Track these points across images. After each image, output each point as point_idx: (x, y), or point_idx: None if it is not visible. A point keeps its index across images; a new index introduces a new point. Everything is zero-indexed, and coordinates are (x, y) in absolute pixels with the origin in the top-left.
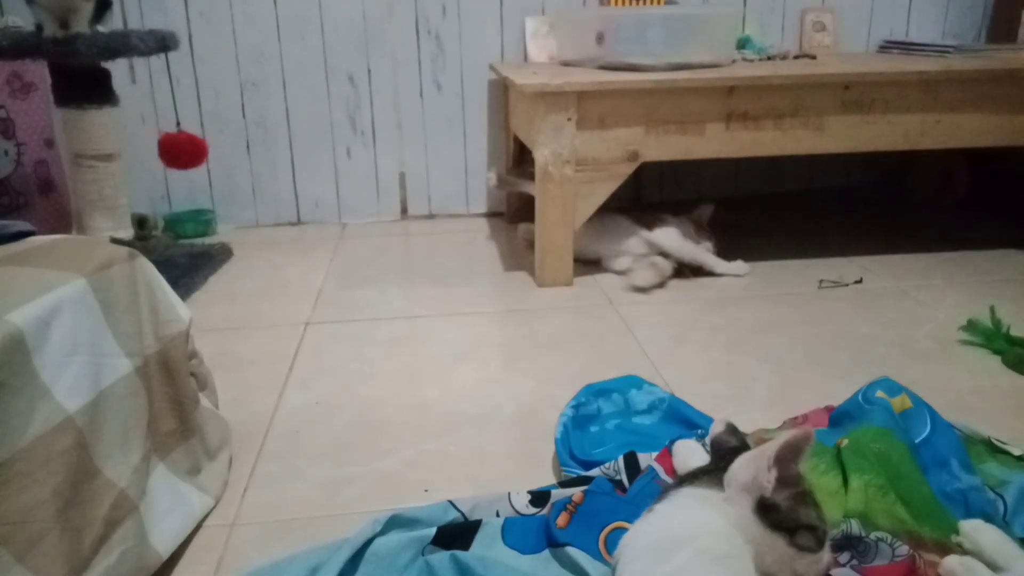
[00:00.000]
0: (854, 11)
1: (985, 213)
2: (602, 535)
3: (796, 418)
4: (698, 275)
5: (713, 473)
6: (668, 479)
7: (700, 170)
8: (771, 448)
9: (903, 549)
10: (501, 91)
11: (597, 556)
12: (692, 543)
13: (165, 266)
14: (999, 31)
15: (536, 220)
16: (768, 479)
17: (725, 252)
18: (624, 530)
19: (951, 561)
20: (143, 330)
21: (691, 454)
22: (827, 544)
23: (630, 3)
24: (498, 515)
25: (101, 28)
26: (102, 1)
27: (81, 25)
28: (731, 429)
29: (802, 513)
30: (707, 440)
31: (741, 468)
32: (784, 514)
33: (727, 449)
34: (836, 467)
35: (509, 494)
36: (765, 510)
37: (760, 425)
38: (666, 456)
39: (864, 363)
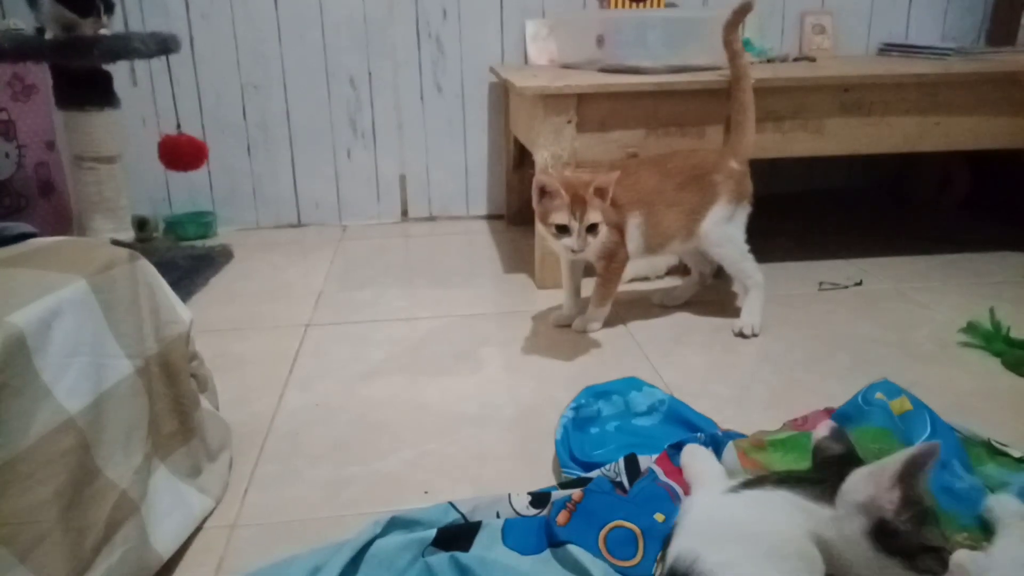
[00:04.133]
0: (853, 14)
1: (985, 215)
2: (602, 533)
3: (796, 420)
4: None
5: (817, 484)
6: (668, 481)
7: None
8: (893, 465)
9: None
10: (501, 93)
11: (597, 554)
12: (759, 542)
13: (166, 268)
14: (998, 34)
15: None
16: (890, 500)
17: None
18: (624, 528)
19: (962, 555)
20: (144, 331)
21: (701, 461)
22: (949, 565)
23: (630, 5)
24: (498, 516)
25: (104, 31)
26: (106, 3)
27: (86, 29)
28: (836, 434)
29: (925, 534)
30: (814, 441)
31: (857, 486)
32: (905, 538)
33: (830, 457)
34: None
35: (509, 495)
36: (883, 534)
37: (760, 427)
38: (666, 459)
39: (864, 365)
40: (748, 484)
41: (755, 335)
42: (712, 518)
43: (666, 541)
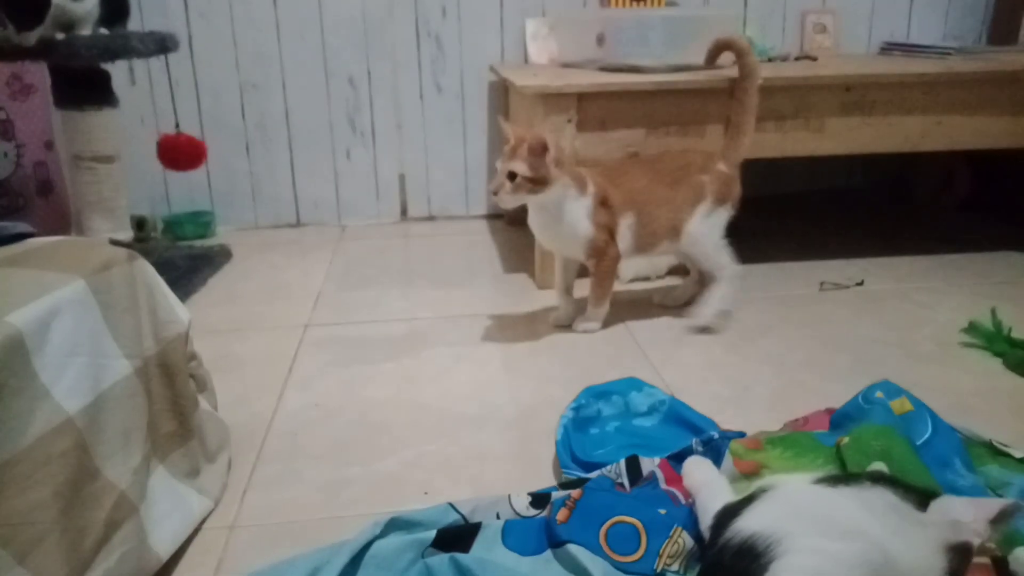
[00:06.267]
0: (855, 13)
1: (986, 215)
2: (603, 529)
3: (797, 420)
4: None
5: (914, 491)
6: (670, 488)
7: None
8: (1000, 504)
9: None
10: (501, 92)
11: (598, 550)
12: (853, 543)
13: (164, 268)
14: (999, 33)
15: None
16: (983, 532)
17: None
18: (625, 523)
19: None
20: (142, 332)
21: (703, 471)
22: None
23: (631, 5)
24: (498, 517)
25: (103, 29)
26: (117, 9)
27: (86, 30)
28: None
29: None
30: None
31: (958, 505)
32: (961, 567)
33: None
34: (836, 462)
35: (509, 496)
36: (961, 555)
37: (760, 427)
38: (667, 466)
39: (865, 365)
40: (842, 480)
41: (707, 326)
42: (806, 505)
43: (721, 519)
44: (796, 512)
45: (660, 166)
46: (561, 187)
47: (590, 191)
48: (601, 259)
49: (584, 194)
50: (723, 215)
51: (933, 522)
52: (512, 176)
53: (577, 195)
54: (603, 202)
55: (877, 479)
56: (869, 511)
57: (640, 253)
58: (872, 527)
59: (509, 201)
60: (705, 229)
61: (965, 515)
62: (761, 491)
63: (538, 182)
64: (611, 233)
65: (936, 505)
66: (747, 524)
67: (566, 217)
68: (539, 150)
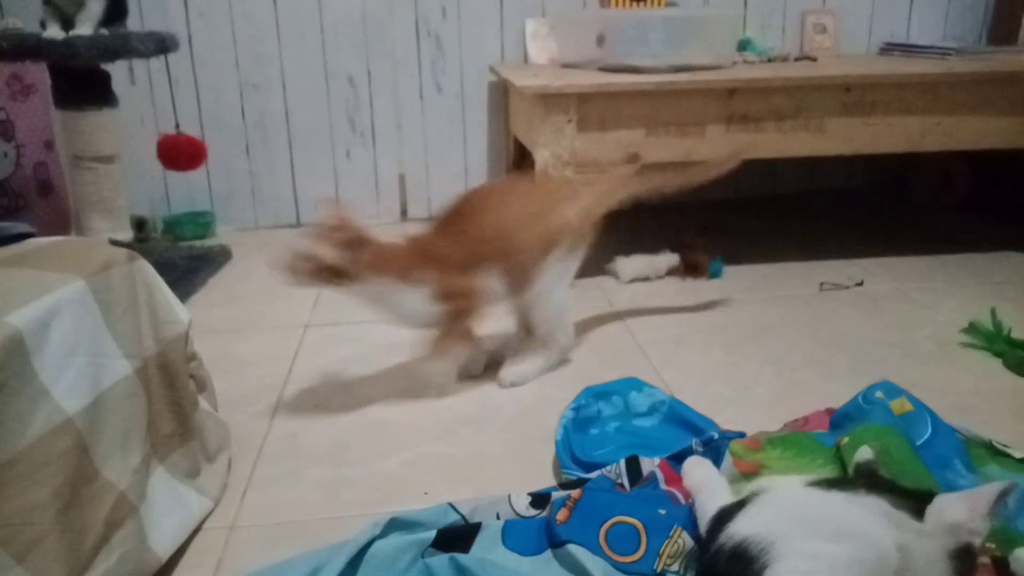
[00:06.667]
0: (855, 13)
1: (986, 215)
2: (603, 529)
3: (797, 420)
4: (697, 277)
5: (908, 497)
6: (670, 489)
7: None
8: (988, 494)
9: None
10: (501, 93)
11: (598, 551)
12: (847, 543)
13: (164, 268)
14: (1000, 33)
15: None
16: (981, 528)
17: (726, 254)
18: (625, 524)
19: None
20: (142, 332)
21: (703, 471)
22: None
23: (631, 5)
24: (498, 517)
25: (103, 30)
26: (117, 7)
27: (87, 27)
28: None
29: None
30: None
31: (950, 507)
32: (972, 565)
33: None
34: (836, 463)
35: (509, 496)
36: (965, 558)
37: (760, 427)
38: (667, 466)
39: (865, 365)
40: (835, 484)
41: (513, 386)
42: (799, 507)
43: (718, 522)
44: (789, 515)
45: (515, 203)
46: (377, 286)
47: (426, 279)
48: (454, 312)
49: (415, 286)
50: (574, 265)
51: (931, 532)
52: (312, 259)
53: (404, 290)
54: (447, 268)
55: (871, 488)
56: (864, 510)
57: (515, 298)
58: (868, 527)
59: (297, 283)
60: (551, 284)
61: (959, 515)
62: (754, 494)
63: (341, 276)
64: (469, 292)
65: (931, 512)
66: (740, 528)
67: (396, 309)
68: (355, 244)
